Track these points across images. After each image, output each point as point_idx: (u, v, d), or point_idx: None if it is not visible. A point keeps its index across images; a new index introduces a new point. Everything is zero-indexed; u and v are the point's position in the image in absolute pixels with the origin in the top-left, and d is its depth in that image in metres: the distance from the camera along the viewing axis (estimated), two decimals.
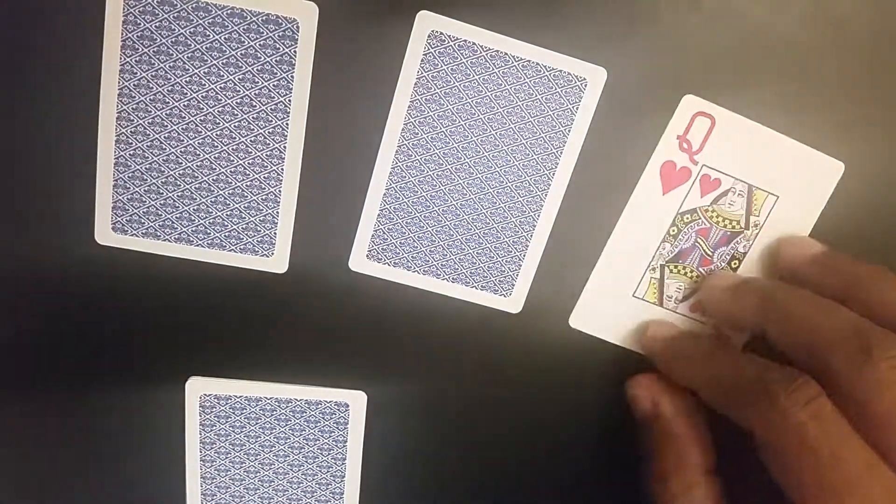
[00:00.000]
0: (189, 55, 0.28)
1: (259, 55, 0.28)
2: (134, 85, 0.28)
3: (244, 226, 0.31)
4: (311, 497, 0.35)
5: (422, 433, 0.35)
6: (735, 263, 0.34)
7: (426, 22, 0.29)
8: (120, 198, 0.30)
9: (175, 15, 0.27)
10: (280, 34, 0.28)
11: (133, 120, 0.29)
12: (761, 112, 0.32)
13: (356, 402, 0.34)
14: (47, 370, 0.34)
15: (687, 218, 0.33)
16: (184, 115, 0.29)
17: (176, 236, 0.31)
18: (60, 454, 0.35)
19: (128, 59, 0.28)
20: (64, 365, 0.33)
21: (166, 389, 0.34)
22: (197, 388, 0.33)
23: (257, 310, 0.33)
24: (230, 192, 0.30)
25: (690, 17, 0.32)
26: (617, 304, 0.34)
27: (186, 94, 0.28)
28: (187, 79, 0.28)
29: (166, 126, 0.29)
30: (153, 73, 0.28)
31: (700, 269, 0.34)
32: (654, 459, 0.32)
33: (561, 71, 0.30)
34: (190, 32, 0.27)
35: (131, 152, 0.29)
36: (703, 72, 0.32)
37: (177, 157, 0.30)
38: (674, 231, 0.34)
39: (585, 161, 0.32)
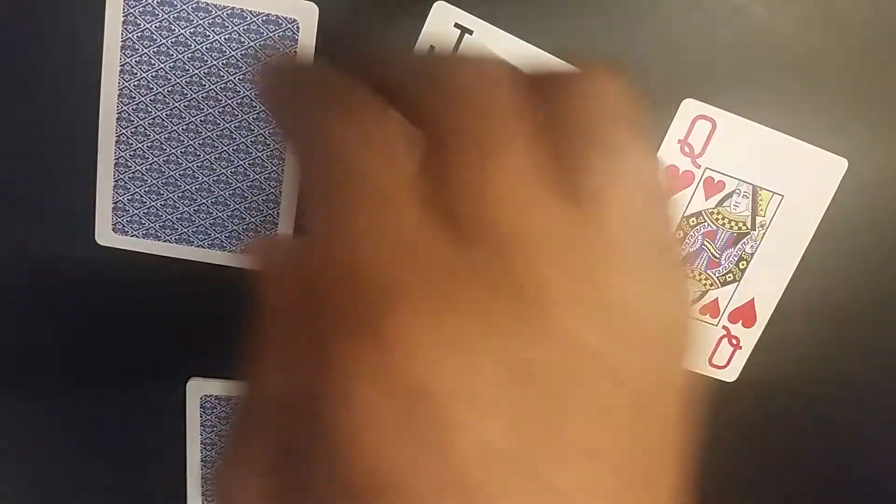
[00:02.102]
0: (189, 55, 0.28)
1: (259, 55, 0.28)
2: (134, 85, 0.28)
3: (245, 226, 0.31)
4: None
5: None
6: (743, 264, 0.34)
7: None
8: (120, 198, 0.30)
9: (175, 15, 0.27)
10: (280, 34, 0.28)
11: (133, 120, 0.29)
12: (762, 112, 0.32)
13: None
14: (47, 371, 0.33)
15: (693, 221, 0.33)
16: (184, 115, 0.29)
17: (176, 237, 0.31)
18: (61, 455, 0.35)
19: (128, 60, 0.28)
20: (64, 366, 0.33)
21: (167, 390, 0.34)
22: (197, 389, 0.33)
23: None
24: (230, 192, 0.30)
25: (690, 17, 0.32)
26: None
27: (187, 94, 0.28)
28: (187, 79, 0.28)
29: (166, 126, 0.29)
30: (153, 74, 0.28)
31: (708, 271, 0.34)
32: None
33: None
34: (190, 33, 0.27)
35: (131, 153, 0.29)
36: (703, 72, 0.32)
37: (177, 157, 0.30)
38: (679, 234, 0.33)
39: None
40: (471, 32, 0.29)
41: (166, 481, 0.35)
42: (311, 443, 0.18)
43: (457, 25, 0.29)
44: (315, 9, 0.28)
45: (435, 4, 0.29)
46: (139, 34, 0.27)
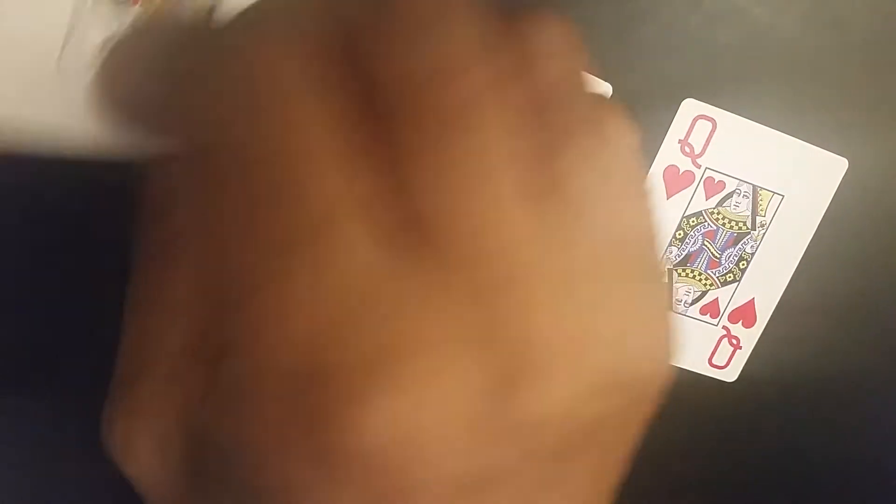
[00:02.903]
0: None
1: None
2: None
3: None
4: None
5: None
6: (743, 264, 0.34)
7: None
8: None
9: None
10: None
11: None
12: (762, 112, 0.32)
13: None
14: (45, 373, 0.33)
15: (693, 221, 0.34)
16: None
17: None
18: (60, 456, 0.35)
19: None
20: (63, 369, 0.33)
21: None
22: None
23: None
24: None
25: (690, 18, 0.31)
26: None
27: None
28: None
29: None
30: None
31: (708, 271, 0.34)
32: None
33: None
34: None
35: None
36: (703, 73, 0.32)
37: None
38: (680, 234, 0.34)
39: None
40: None
41: None
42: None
43: None
44: None
45: None
46: None
